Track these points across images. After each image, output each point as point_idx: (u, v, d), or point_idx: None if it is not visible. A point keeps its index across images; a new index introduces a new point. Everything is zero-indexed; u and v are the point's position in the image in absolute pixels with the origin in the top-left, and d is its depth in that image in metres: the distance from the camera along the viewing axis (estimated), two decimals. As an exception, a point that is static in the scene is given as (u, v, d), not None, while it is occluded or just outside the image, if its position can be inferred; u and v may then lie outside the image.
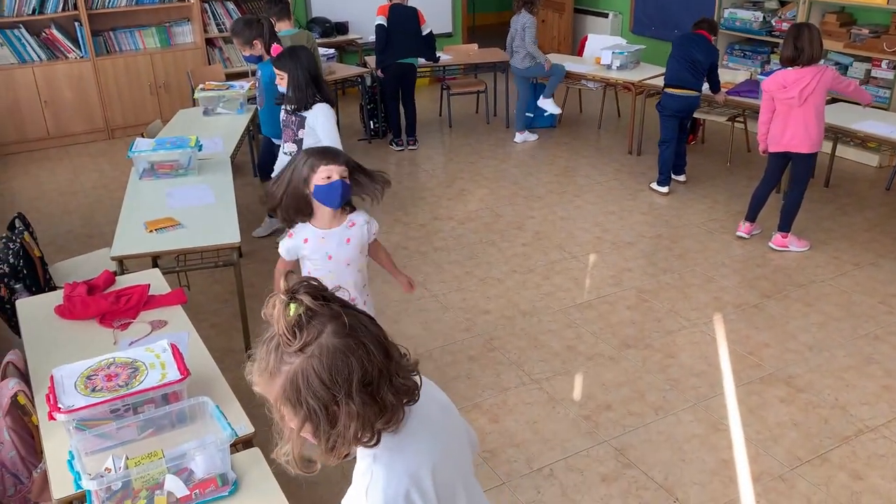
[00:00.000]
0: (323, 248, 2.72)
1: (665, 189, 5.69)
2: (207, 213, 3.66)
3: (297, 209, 2.65)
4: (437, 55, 6.77)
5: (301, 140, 4.00)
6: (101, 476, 1.76)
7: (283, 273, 3.03)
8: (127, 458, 1.82)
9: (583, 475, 2.95)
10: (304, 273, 2.79)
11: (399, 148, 6.86)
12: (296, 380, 1.14)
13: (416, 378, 1.27)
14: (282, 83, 3.92)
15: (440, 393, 1.47)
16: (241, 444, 2.11)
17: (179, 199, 3.81)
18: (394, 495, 1.22)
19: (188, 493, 1.85)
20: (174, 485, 1.85)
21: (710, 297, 4.27)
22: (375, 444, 1.21)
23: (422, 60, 6.63)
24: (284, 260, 2.80)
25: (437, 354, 3.75)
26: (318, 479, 2.93)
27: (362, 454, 1.26)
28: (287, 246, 2.75)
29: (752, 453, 3.05)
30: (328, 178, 2.56)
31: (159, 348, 2.21)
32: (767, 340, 3.84)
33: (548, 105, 6.82)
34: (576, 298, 4.28)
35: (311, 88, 3.87)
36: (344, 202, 2.67)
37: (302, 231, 2.72)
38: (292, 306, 1.16)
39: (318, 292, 1.18)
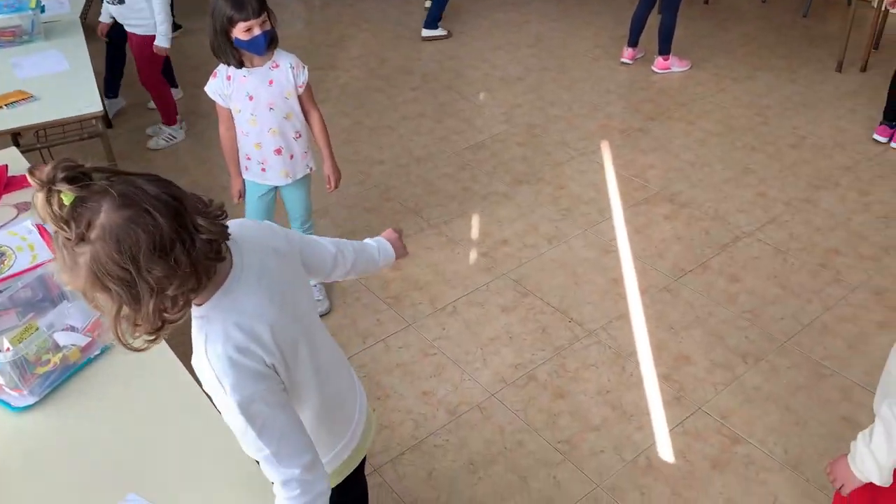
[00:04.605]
0: (244, 88, 2.65)
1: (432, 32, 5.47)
2: (63, 82, 3.35)
3: (227, 52, 2.57)
4: None
5: None
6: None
7: (228, 134, 2.80)
8: (7, 340, 1.75)
9: (484, 308, 3.06)
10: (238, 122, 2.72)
11: None
12: (92, 268, 1.07)
13: (223, 227, 1.19)
14: None
15: (278, 239, 1.40)
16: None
17: (28, 68, 3.47)
18: (233, 351, 1.21)
19: (89, 338, 1.83)
20: (69, 338, 1.81)
21: (597, 126, 4.33)
22: (186, 307, 1.17)
23: None
24: (224, 111, 2.72)
25: (332, 210, 3.70)
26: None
27: (195, 316, 1.23)
28: (212, 87, 2.68)
29: (639, 270, 3.23)
30: (248, 31, 2.48)
31: (24, 230, 2.07)
32: (652, 162, 3.97)
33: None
34: (468, 140, 4.26)
35: None
36: (269, 46, 2.59)
37: (225, 69, 2.63)
38: (54, 199, 1.05)
39: (76, 172, 1.06)
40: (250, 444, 1.26)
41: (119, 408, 1.72)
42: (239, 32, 2.47)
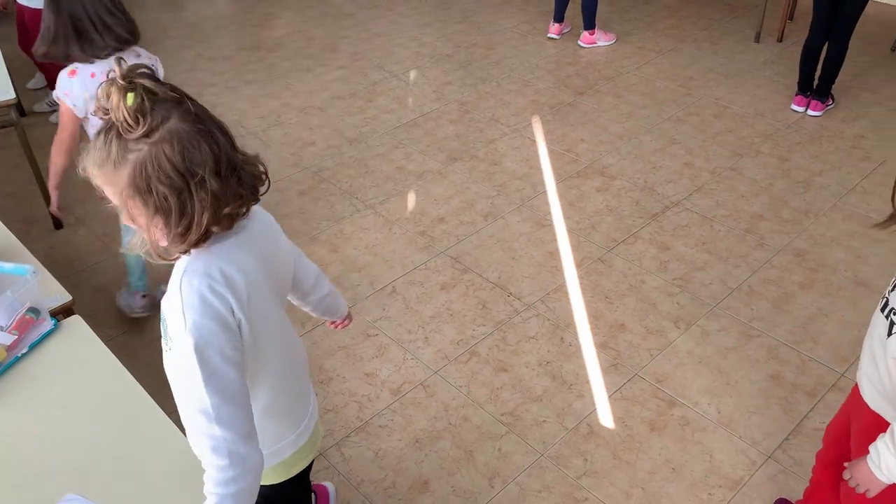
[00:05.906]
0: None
1: None
2: (-30, 70, 3.18)
3: None
4: None
5: None
6: None
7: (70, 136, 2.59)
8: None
9: (423, 287, 3.07)
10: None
11: None
12: (145, 166, 1.09)
13: (261, 167, 1.26)
14: None
15: (282, 237, 1.47)
16: (61, 315, 1.99)
17: (-70, 56, 3.27)
18: (207, 289, 1.21)
19: (14, 336, 1.77)
20: None
21: (527, 101, 4.36)
22: (229, 228, 1.22)
23: None
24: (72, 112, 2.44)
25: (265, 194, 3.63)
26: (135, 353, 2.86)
27: None
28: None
29: (574, 242, 3.29)
30: None
31: (-62, 228, 1.97)
32: (582, 136, 4.03)
33: None
34: (400, 118, 4.23)
35: None
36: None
37: None
38: (131, 94, 1.07)
39: (155, 77, 1.12)
40: (194, 391, 1.19)
41: (51, 406, 1.66)
42: None
